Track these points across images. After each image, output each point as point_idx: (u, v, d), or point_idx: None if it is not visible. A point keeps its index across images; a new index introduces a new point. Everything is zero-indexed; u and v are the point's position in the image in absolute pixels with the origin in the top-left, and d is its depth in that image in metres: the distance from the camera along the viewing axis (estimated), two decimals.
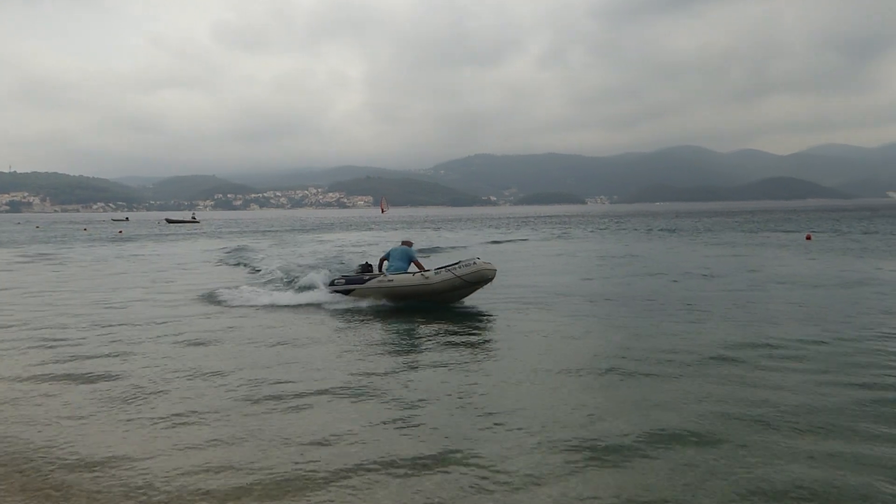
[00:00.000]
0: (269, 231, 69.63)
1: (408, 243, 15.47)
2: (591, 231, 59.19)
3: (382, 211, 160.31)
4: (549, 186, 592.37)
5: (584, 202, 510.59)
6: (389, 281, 14.45)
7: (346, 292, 14.89)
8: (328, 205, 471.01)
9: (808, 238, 40.03)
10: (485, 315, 13.91)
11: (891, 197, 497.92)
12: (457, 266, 14.50)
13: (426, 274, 14.40)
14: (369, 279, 14.65)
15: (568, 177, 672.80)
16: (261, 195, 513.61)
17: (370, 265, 15.78)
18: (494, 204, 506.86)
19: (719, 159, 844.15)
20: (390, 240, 47.44)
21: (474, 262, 14.55)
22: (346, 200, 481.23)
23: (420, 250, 34.16)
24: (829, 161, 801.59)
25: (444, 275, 14.28)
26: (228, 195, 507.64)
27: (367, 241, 46.44)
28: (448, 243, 42.14)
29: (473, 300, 15.46)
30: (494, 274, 14.85)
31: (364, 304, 14.57)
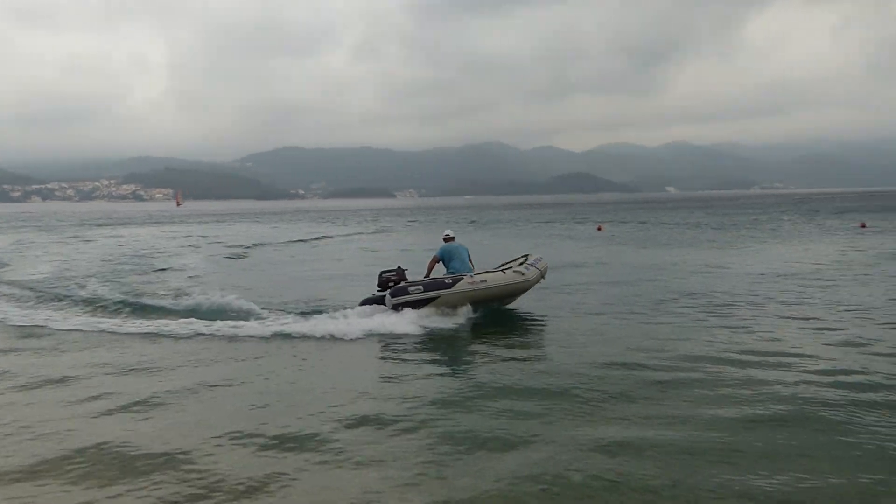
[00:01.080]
0: (52, 227, 63.63)
1: (452, 238, 13.39)
2: (409, 224, 60.15)
3: (178, 204, 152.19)
4: (358, 180, 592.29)
5: (393, 196, 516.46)
6: (482, 281, 12.31)
7: (423, 302, 12.05)
8: (122, 198, 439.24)
9: (599, 229, 43.32)
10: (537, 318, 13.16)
11: (669, 191, 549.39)
12: (536, 261, 13.38)
13: (521, 270, 12.84)
14: (452, 283, 12.16)
15: (378, 171, 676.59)
16: (44, 186, 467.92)
17: (401, 268, 13.12)
18: (303, 198, 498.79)
19: (522, 155, 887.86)
20: (192, 234, 45.32)
21: (540, 258, 13.69)
22: (143, 193, 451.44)
23: (245, 247, 33.61)
24: (618, 158, 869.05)
25: (533, 270, 12.96)
26: (5, 186, 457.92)
27: (169, 236, 43.99)
28: (269, 238, 41.09)
29: None
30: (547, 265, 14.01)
31: (425, 316, 11.89)
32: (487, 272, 12.85)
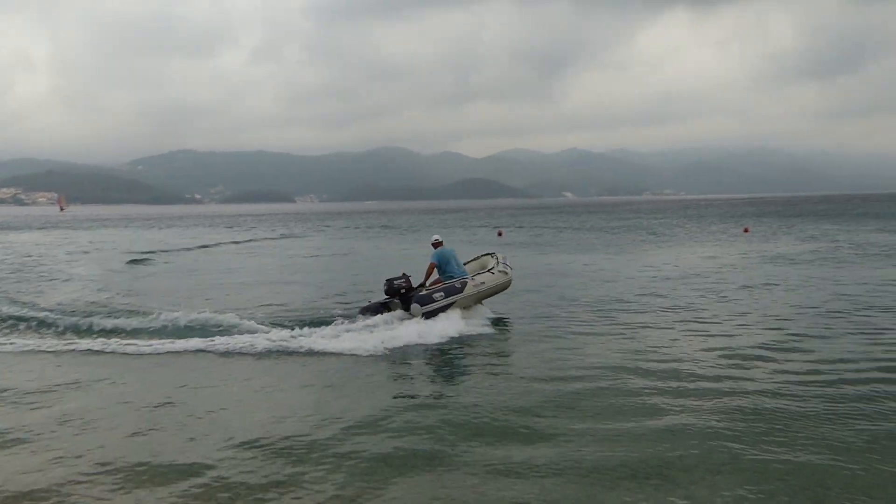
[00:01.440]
0: None
1: (441, 243, 13.89)
2: (321, 229, 59.40)
3: (61, 209, 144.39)
4: (257, 185, 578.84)
5: (293, 201, 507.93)
6: (482, 283, 13.40)
7: (446, 308, 12.53)
8: (1, 201, 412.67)
9: (500, 234, 44.20)
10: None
11: (566, 196, 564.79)
12: (503, 259, 14.58)
13: (504, 269, 14.11)
14: (462, 287, 12.88)
15: (277, 175, 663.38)
16: None
17: (406, 275, 13.20)
18: (200, 202, 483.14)
19: (423, 161, 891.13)
20: (76, 241, 43.27)
21: (504, 256, 14.96)
22: (24, 197, 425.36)
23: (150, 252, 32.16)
24: (517, 164, 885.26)
25: (509, 268, 14.35)
26: None
27: (52, 243, 41.82)
28: (170, 244, 39.62)
29: None
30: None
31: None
32: (480, 274, 13.71)
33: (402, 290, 12.89)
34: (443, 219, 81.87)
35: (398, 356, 10.53)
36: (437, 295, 12.53)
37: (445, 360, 10.51)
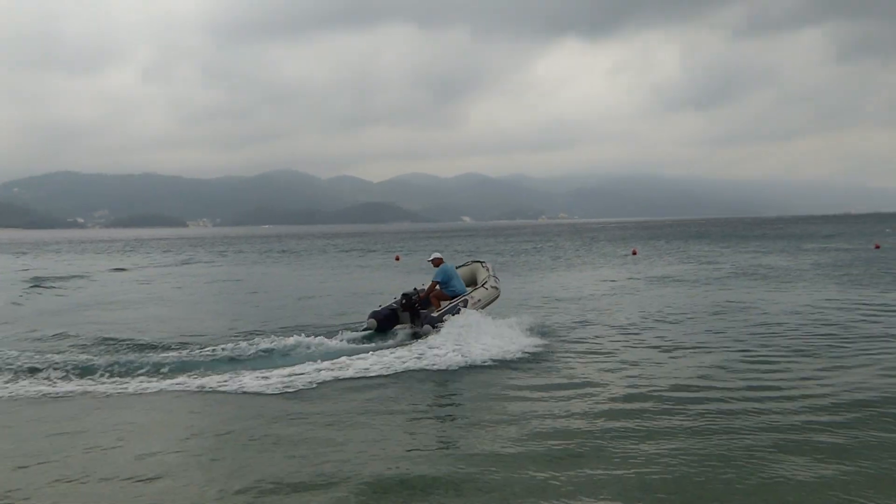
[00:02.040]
0: None
1: (441, 260, 14.87)
2: (223, 254, 57.39)
3: None
4: (145, 208, 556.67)
5: (185, 225, 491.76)
6: (478, 300, 14.36)
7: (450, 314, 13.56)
8: None
9: (397, 259, 44.09)
10: None
11: (464, 221, 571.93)
12: (493, 272, 15.95)
13: (495, 284, 15.35)
14: (464, 305, 13.80)
15: (167, 198, 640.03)
16: None
17: (417, 290, 14.69)
18: (83, 226, 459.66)
19: (320, 184, 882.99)
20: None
21: (491, 266, 16.50)
22: None
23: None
24: (415, 188, 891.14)
25: (497, 282, 15.66)
26: None
27: None
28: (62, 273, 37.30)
29: None
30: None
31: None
32: (476, 290, 14.91)
33: (414, 306, 14.35)
34: (344, 242, 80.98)
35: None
36: (445, 317, 13.32)
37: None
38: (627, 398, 8.86)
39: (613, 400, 8.79)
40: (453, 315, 13.31)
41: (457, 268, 15.52)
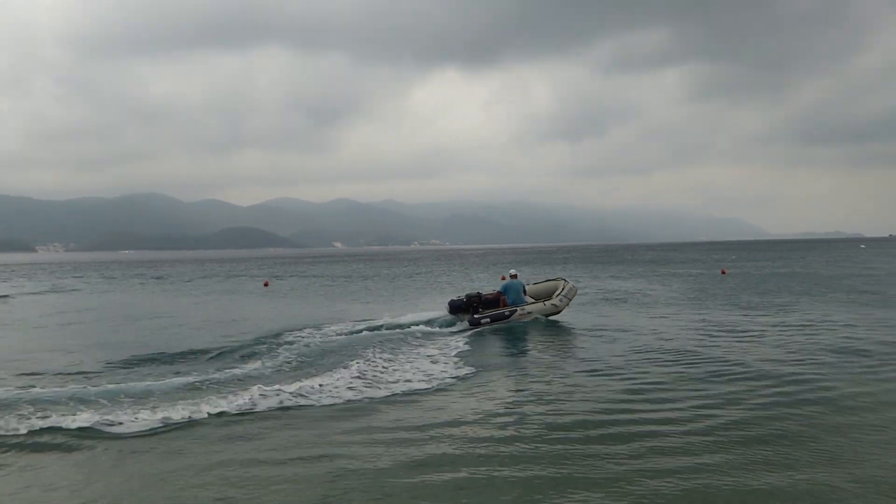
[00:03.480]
0: None
1: (515, 276, 19.76)
2: (78, 277, 53.56)
3: None
4: None
5: (34, 250, 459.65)
6: (528, 312, 18.64)
7: (491, 321, 18.07)
8: None
9: (266, 285, 42.97)
10: None
11: (336, 246, 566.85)
12: (564, 291, 19.56)
13: (555, 302, 19.14)
14: (510, 314, 18.33)
15: (14, 221, 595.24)
16: None
17: (480, 294, 19.25)
18: None
19: (186, 208, 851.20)
20: None
21: (571, 286, 20.05)
22: None
23: None
24: (286, 213, 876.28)
25: (563, 300, 19.39)
26: None
27: None
28: None
29: None
30: (577, 290, 20.71)
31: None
32: (535, 304, 19.01)
33: (474, 303, 18.83)
34: (211, 268, 77.95)
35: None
36: (483, 320, 18.00)
37: None
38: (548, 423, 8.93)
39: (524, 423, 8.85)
40: (494, 321, 17.95)
41: (538, 283, 21.06)
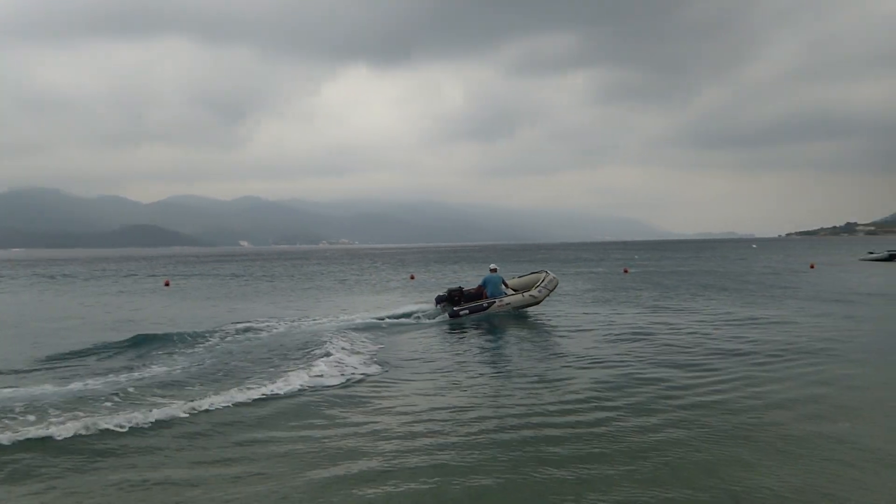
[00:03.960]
0: None
1: (495, 270, 20.99)
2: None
3: None
4: None
5: None
6: (507, 304, 19.66)
7: (470, 312, 19.19)
8: None
9: (167, 284, 41.53)
10: None
11: (243, 245, 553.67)
12: (544, 283, 20.57)
13: (534, 293, 20.17)
14: (489, 306, 19.39)
15: None
16: None
17: (461, 288, 20.58)
18: None
19: (82, 204, 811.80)
20: None
21: (551, 277, 20.96)
22: None
23: None
24: (191, 210, 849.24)
25: (543, 291, 20.36)
26: None
27: None
28: None
29: None
30: (558, 281, 21.75)
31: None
32: (513, 296, 20.07)
33: (455, 297, 20.11)
34: (113, 267, 74.58)
35: None
36: (462, 312, 19.14)
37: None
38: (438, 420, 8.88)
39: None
40: (473, 312, 19.09)
41: (522, 276, 22.35)
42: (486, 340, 15.93)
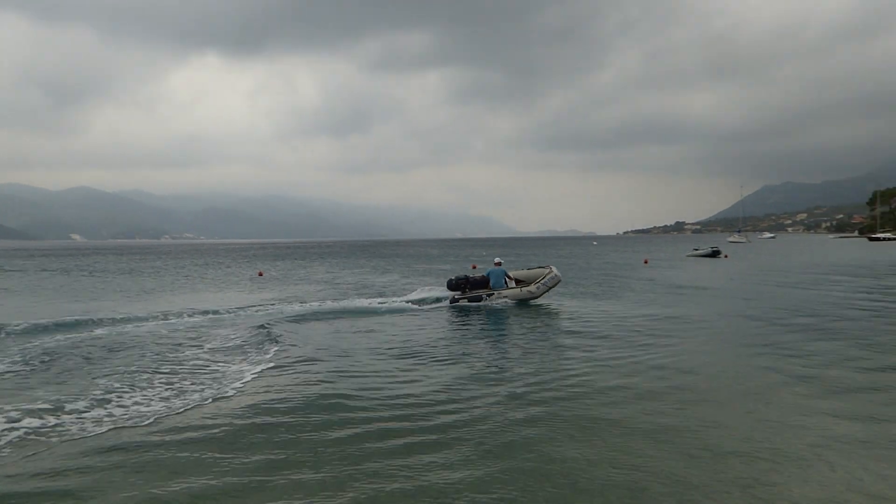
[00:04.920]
0: None
1: (499, 264, 22.14)
2: None
3: None
4: None
5: None
6: (504, 297, 21.03)
7: (468, 301, 21.10)
8: None
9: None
10: None
11: (74, 239, 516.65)
12: (545, 279, 21.33)
13: (531, 289, 21.15)
14: (488, 297, 21.00)
15: None
16: None
17: (468, 277, 21.81)
18: None
19: None
20: None
21: (554, 274, 21.63)
22: None
23: None
24: (15, 201, 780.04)
25: (542, 287, 21.20)
26: None
27: None
28: None
29: None
30: (560, 278, 22.17)
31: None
32: (512, 289, 21.36)
33: (462, 285, 21.51)
34: None
35: None
36: (461, 300, 21.09)
37: None
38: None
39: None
40: (471, 301, 20.97)
41: (530, 269, 22.90)
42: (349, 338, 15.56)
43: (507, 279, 21.75)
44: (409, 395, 9.63)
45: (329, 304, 21.82)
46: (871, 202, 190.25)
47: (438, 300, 21.94)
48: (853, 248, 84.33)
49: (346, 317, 19.16)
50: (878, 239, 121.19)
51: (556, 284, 21.92)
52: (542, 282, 21.40)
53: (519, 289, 21.34)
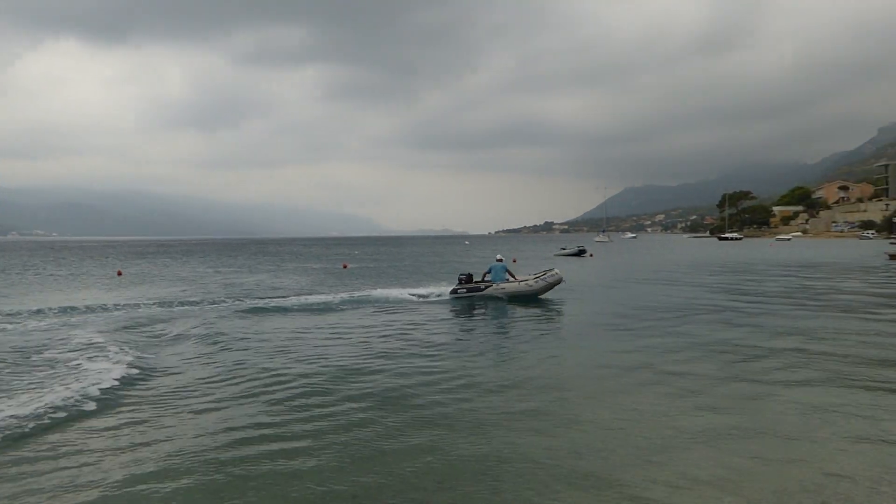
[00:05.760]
0: None
1: (500, 260, 23.68)
2: None
3: None
4: None
5: None
6: (503, 289, 22.04)
7: (468, 292, 22.19)
8: None
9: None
10: None
11: None
12: (544, 275, 22.44)
13: (528, 282, 22.26)
14: (486, 287, 22.13)
15: None
16: None
17: (471, 274, 23.46)
18: None
19: None
20: None
21: (555, 273, 22.67)
22: None
23: None
24: None
25: (540, 282, 22.26)
26: None
27: None
28: None
29: None
30: (562, 278, 22.84)
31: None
32: (510, 283, 22.13)
33: (463, 280, 22.83)
34: None
35: None
36: (461, 290, 22.16)
37: None
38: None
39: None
40: (471, 292, 21.97)
41: (536, 275, 22.94)
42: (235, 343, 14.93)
43: (508, 275, 22.69)
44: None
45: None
46: (721, 204, 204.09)
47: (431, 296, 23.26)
48: (705, 247, 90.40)
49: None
50: (726, 238, 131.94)
51: (557, 283, 22.54)
52: (541, 278, 22.25)
53: (517, 283, 22.16)
